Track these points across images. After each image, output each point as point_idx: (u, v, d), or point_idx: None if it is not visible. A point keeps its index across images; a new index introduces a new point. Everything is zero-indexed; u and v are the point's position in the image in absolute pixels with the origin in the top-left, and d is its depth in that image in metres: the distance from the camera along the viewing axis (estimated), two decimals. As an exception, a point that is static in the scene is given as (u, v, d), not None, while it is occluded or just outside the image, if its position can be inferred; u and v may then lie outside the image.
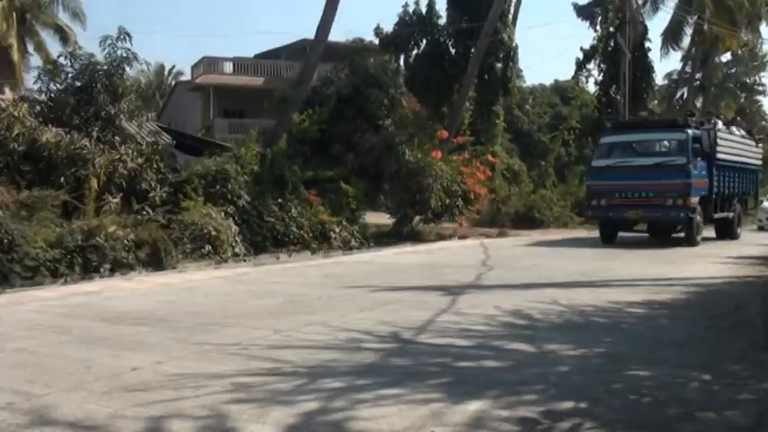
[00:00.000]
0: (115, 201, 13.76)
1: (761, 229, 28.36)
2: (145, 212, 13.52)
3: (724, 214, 20.41)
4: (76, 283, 10.84)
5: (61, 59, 15.95)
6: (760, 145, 24.78)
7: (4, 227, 10.37)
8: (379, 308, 8.64)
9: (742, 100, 55.07)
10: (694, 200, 17.78)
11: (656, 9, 38.41)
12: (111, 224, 12.14)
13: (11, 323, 7.74)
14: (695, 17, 37.08)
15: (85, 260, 11.25)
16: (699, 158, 18.08)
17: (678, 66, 48.22)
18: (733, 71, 54.38)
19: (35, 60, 33.09)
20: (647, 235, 21.04)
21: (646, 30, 36.66)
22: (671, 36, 39.30)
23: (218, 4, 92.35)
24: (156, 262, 12.39)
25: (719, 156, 19.28)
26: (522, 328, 7.44)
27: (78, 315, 8.27)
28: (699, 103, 47.46)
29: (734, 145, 20.76)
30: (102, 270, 11.42)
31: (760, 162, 24.34)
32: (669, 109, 46.28)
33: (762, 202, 28.91)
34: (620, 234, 19.72)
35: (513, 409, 4.64)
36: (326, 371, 5.59)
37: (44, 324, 7.67)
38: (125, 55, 15.45)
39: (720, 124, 21.02)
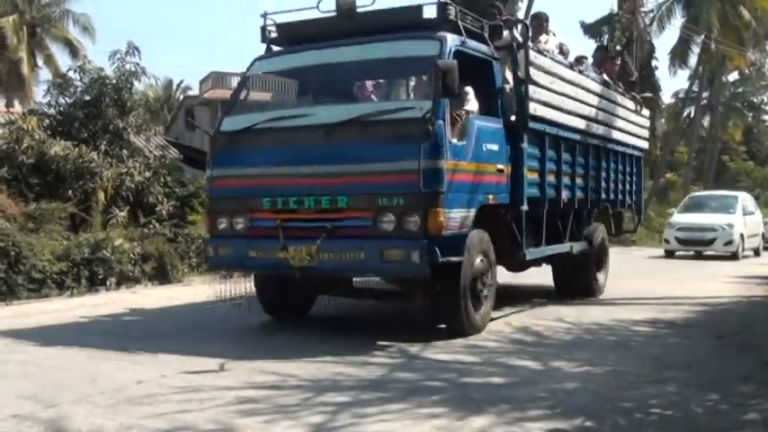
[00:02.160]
0: (122, 214, 13.83)
1: (669, 253, 19.72)
2: (151, 226, 13.56)
3: (564, 246, 9.84)
4: (82, 295, 10.85)
5: (70, 73, 16.03)
6: (645, 113, 13.01)
7: (12, 239, 10.38)
8: (384, 322, 8.61)
9: (749, 119, 54.99)
10: (458, 214, 7.06)
11: (662, 28, 38.46)
12: (117, 237, 12.17)
13: (17, 335, 7.74)
14: (702, 36, 37.11)
15: (92, 273, 11.26)
16: (475, 108, 7.80)
17: (685, 84, 48.20)
18: (740, 90, 54.33)
19: (44, 74, 33.39)
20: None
21: (653, 48, 36.72)
22: (678, 55, 39.32)
23: (227, 19, 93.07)
24: (161, 275, 12.42)
25: (536, 111, 8.38)
26: (529, 345, 7.41)
27: (84, 328, 8.26)
28: (706, 122, 47.48)
29: (585, 98, 9.96)
30: (108, 283, 11.43)
31: (645, 144, 12.99)
32: (676, 128, 46.31)
33: (671, 214, 21.15)
34: None
35: (518, 426, 4.62)
36: (332, 385, 5.58)
37: (50, 336, 7.67)
38: (134, 69, 15.54)
39: (553, 40, 9.97)
